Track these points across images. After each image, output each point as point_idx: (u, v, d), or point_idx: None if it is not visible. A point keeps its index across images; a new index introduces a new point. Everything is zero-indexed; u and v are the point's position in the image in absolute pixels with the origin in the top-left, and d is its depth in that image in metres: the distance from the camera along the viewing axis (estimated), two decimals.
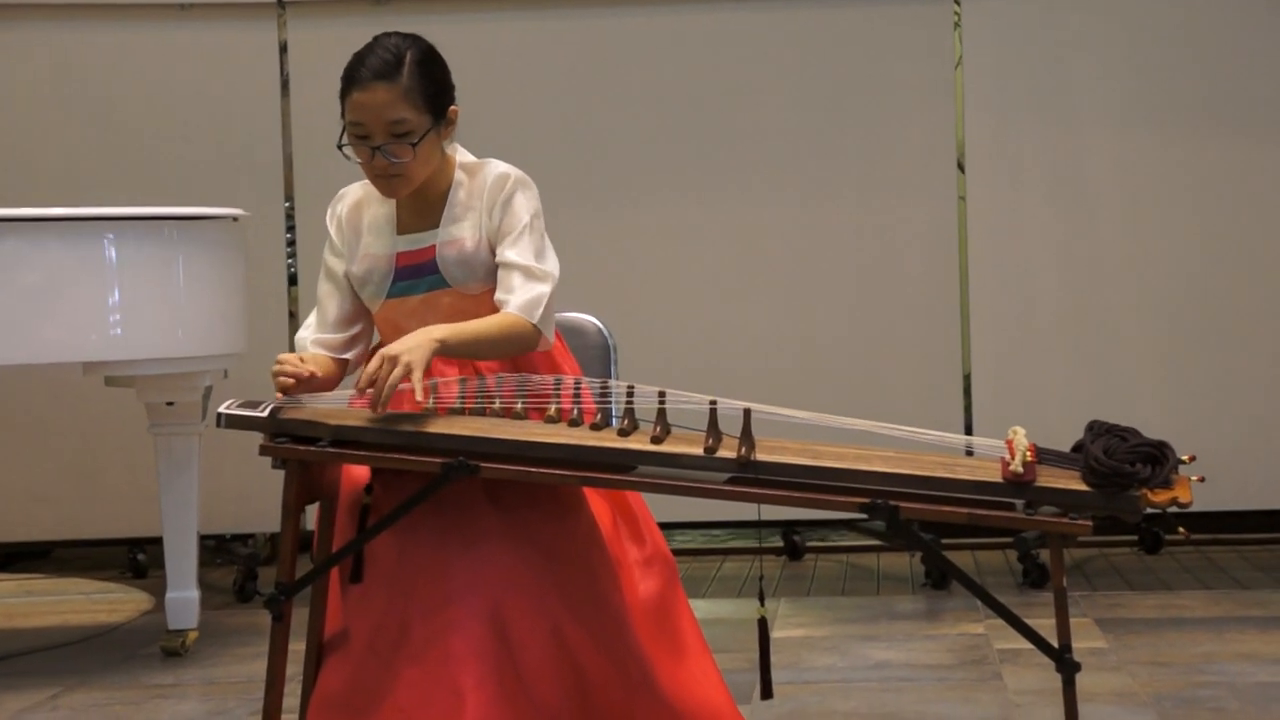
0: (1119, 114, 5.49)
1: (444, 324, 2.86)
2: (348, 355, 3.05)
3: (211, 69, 5.66)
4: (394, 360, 2.73)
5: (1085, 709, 3.32)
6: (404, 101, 2.88)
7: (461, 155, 3.03)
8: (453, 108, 2.96)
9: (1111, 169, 5.51)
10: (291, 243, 5.72)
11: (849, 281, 5.57)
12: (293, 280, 5.72)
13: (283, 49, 5.66)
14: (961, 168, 5.57)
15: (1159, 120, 5.48)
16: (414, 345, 2.76)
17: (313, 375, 2.89)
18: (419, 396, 2.72)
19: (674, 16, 5.58)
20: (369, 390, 2.75)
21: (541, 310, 2.90)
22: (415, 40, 2.94)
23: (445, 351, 2.81)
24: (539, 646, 2.79)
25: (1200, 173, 5.49)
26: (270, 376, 2.87)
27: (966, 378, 5.58)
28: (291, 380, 2.85)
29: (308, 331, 3.06)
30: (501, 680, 2.75)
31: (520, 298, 2.90)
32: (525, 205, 2.97)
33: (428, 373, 2.83)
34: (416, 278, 2.98)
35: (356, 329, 3.06)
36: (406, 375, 2.72)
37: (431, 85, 2.91)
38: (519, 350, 2.91)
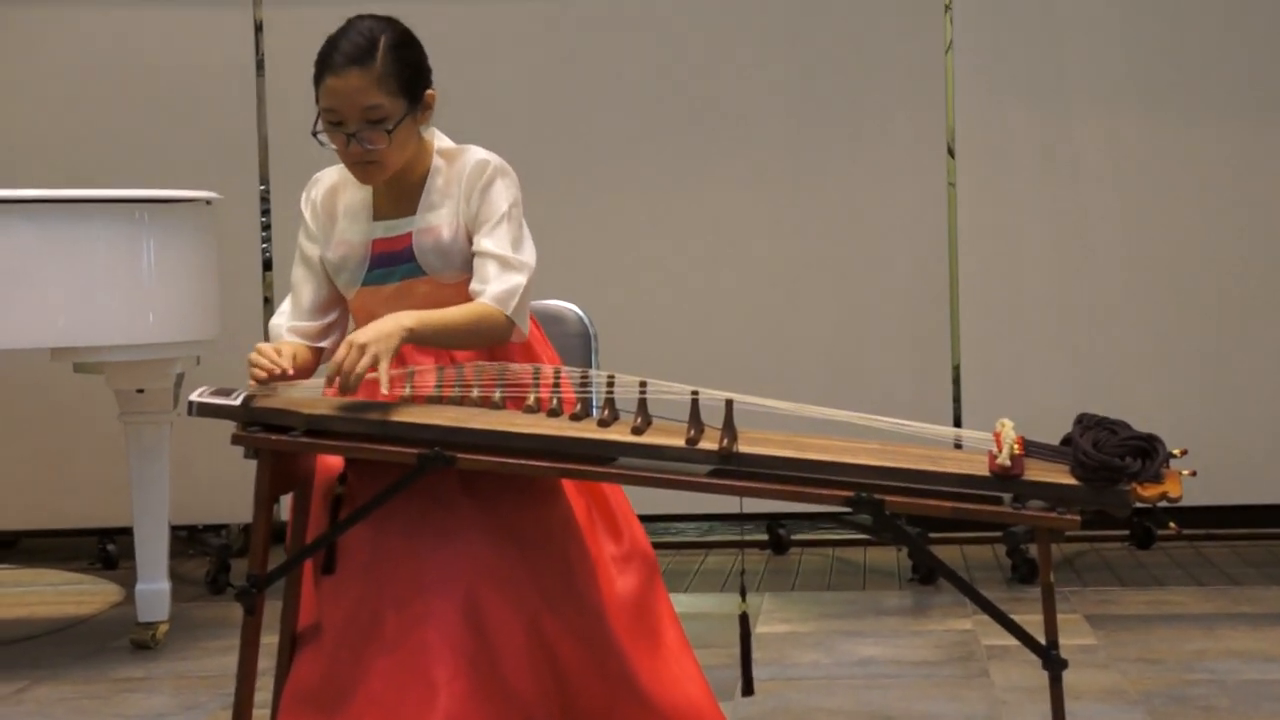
0: (1112, 99, 5.49)
1: (415, 311, 2.86)
2: (324, 344, 3.04)
3: (186, 49, 5.63)
4: (361, 349, 2.74)
5: (1074, 706, 3.33)
6: (378, 87, 2.87)
7: (440, 141, 3.02)
8: (429, 92, 2.96)
9: (1104, 155, 5.52)
10: (266, 226, 5.70)
11: (836, 269, 5.57)
12: (267, 265, 5.71)
13: (258, 28, 5.65)
14: (952, 153, 5.57)
15: (1153, 106, 5.49)
16: (383, 334, 2.77)
17: (285, 373, 2.87)
18: (384, 389, 2.73)
19: (657, 1, 5.59)
20: (337, 379, 2.76)
21: (516, 301, 2.90)
22: (390, 23, 2.93)
23: (414, 340, 2.82)
24: (516, 638, 2.80)
25: (1195, 160, 5.49)
26: (245, 365, 2.87)
27: (956, 368, 5.59)
28: (264, 375, 2.85)
29: (283, 319, 3.05)
30: (476, 671, 2.76)
31: (495, 288, 2.90)
32: (504, 194, 2.96)
33: (402, 361, 2.84)
34: (392, 265, 2.97)
35: (333, 316, 3.05)
36: (373, 365, 2.73)
37: (407, 70, 2.90)
38: (491, 342, 2.92)
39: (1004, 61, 5.52)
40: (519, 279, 2.91)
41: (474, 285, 2.92)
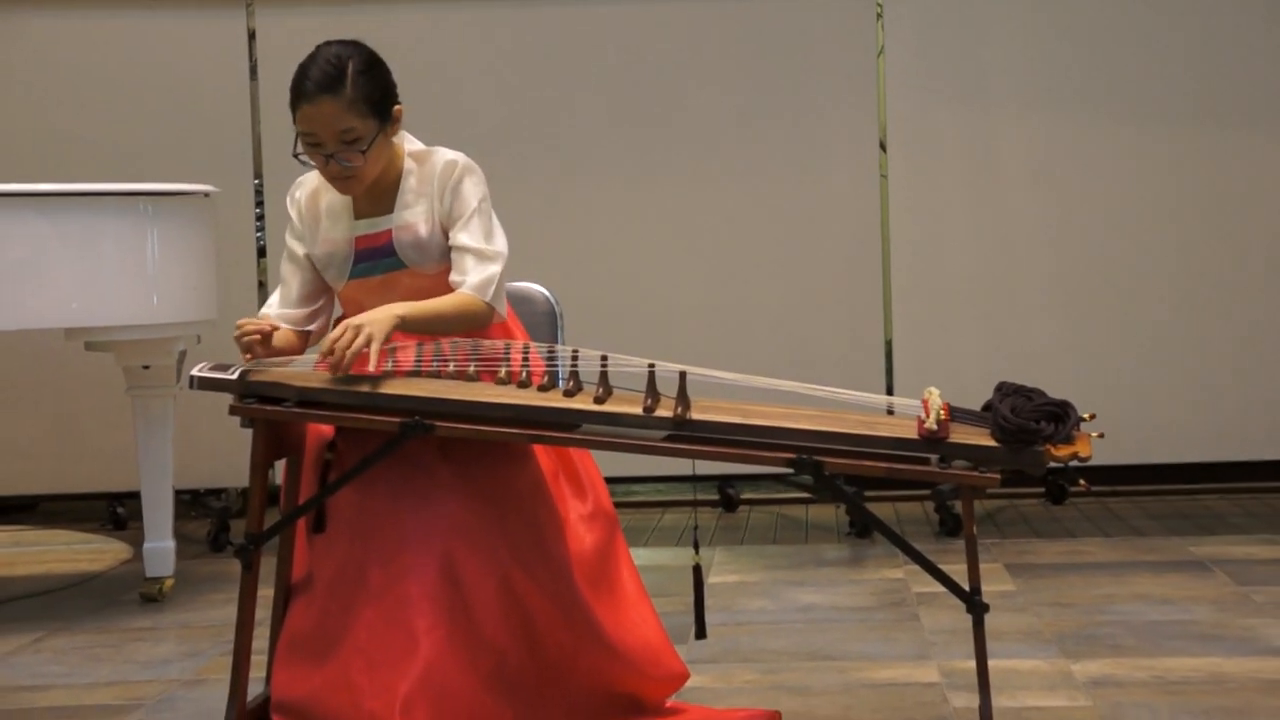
0: (1028, 100, 5.51)
1: (405, 302, 2.86)
2: (310, 328, 3.04)
3: (186, 56, 5.60)
4: (357, 330, 2.74)
5: (994, 646, 3.35)
6: (350, 111, 2.85)
7: (410, 144, 3.02)
8: (397, 107, 2.94)
9: (1022, 149, 5.54)
10: (260, 217, 5.67)
11: (779, 253, 5.57)
12: (261, 252, 5.68)
13: (251, 36, 5.61)
14: (883, 147, 5.57)
15: (1064, 105, 5.51)
16: (377, 319, 2.78)
17: (274, 328, 2.87)
18: (372, 367, 2.73)
19: (614, 8, 5.56)
20: (330, 355, 2.75)
21: (493, 289, 2.91)
22: (356, 48, 2.90)
23: (405, 327, 2.83)
24: (488, 591, 2.80)
25: (1102, 153, 5.52)
26: (234, 342, 2.86)
27: (888, 343, 5.60)
28: (256, 336, 2.84)
29: (272, 308, 3.06)
30: (453, 621, 2.77)
31: (474, 279, 2.90)
32: (473, 190, 2.97)
33: (387, 342, 2.84)
34: (375, 260, 2.98)
35: (318, 304, 3.06)
36: (366, 345, 2.72)
37: (375, 91, 2.88)
38: (473, 327, 2.92)
39: (930, 64, 5.53)
40: (494, 268, 2.92)
41: (454, 277, 2.93)
